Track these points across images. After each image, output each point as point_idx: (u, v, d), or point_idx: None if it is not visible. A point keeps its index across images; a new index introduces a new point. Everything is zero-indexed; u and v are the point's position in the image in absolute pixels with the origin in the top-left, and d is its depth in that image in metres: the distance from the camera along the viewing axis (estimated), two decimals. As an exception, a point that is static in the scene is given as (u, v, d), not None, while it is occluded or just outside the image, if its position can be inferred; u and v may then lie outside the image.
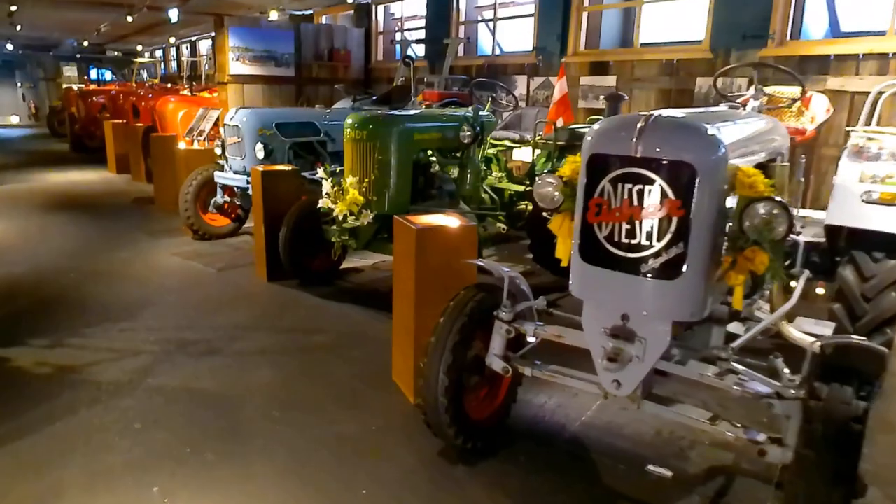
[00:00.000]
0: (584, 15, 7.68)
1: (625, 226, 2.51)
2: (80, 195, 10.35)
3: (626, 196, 2.49)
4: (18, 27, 17.27)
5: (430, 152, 5.49)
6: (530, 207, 6.47)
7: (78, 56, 27.00)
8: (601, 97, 3.48)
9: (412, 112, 5.70)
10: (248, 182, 6.60)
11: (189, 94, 13.20)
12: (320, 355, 4.40)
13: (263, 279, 5.93)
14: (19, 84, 27.87)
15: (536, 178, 3.01)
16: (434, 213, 4.14)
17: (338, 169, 5.25)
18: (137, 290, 5.65)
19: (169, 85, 17.41)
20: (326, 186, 5.11)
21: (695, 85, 6.47)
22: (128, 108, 13.06)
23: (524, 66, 8.41)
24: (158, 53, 26.33)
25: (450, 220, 3.69)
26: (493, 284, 3.28)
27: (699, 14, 6.80)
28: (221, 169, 7.18)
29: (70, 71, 27.05)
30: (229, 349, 4.44)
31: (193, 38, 21.15)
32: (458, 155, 5.70)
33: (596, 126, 2.70)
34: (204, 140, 9.15)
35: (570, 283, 2.79)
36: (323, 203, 5.19)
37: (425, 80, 8.43)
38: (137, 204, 9.70)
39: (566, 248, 2.96)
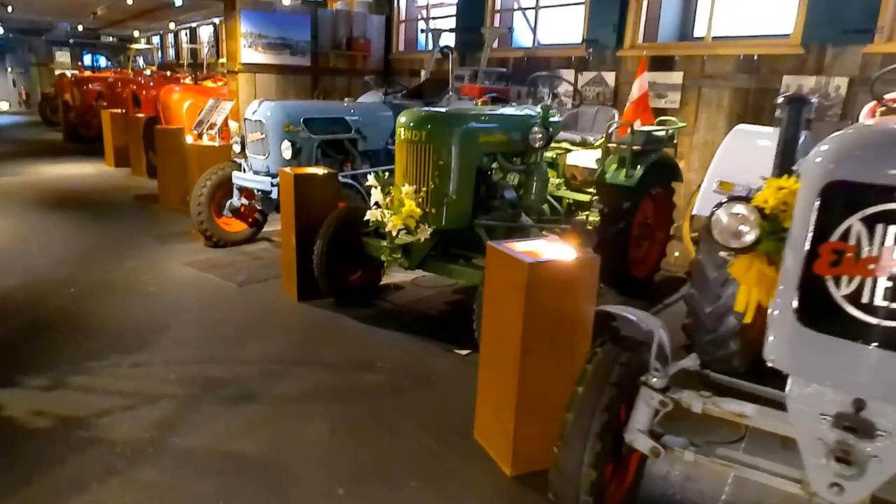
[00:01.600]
0: (644, 4, 6.94)
1: (884, 282, 1.78)
2: (77, 191, 9.50)
3: (890, 242, 1.76)
4: (10, 8, 16.30)
5: (494, 157, 4.72)
6: (592, 217, 5.74)
7: (71, 41, 25.94)
8: (778, 99, 2.74)
9: (474, 110, 4.92)
10: (272, 185, 5.82)
11: (192, 82, 12.36)
12: (379, 401, 3.63)
13: (293, 297, 5.16)
14: (9, 69, 26.73)
15: (724, 204, 2.26)
16: (532, 237, 3.39)
17: (383, 174, 4.48)
18: (149, 310, 4.87)
19: (168, 73, 16.52)
20: (378, 196, 4.34)
21: (780, 84, 5.74)
22: (127, 96, 12.18)
23: (571, 59, 7.66)
24: (156, 40, 25.30)
25: (563, 251, 2.94)
26: (630, 337, 2.55)
27: (784, 5, 6.08)
28: (239, 168, 6.39)
29: (63, 56, 25.98)
30: (267, 392, 3.67)
31: (194, 25, 20.19)
32: (523, 160, 4.94)
33: (830, 143, 1.94)
34: (215, 134, 8.34)
35: (770, 349, 2.04)
36: (372, 215, 4.42)
37: (454, 73, 7.64)
38: (140, 202, 8.88)
39: (754, 300, 2.23)
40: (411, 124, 4.35)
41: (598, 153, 5.93)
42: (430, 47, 9.73)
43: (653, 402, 2.36)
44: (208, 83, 12.62)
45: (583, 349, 2.93)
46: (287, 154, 5.76)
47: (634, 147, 5.17)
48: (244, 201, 6.47)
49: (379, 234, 4.79)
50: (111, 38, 26.67)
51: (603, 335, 2.58)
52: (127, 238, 6.92)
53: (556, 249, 2.96)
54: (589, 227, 5.84)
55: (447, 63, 8.98)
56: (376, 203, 4.40)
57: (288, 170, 5.10)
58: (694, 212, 3.75)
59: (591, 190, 6.08)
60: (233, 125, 9.35)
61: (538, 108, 4.94)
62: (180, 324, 4.62)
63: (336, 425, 3.36)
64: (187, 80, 13.00)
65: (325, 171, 5.09)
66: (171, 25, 19.87)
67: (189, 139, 9.15)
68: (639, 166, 5.20)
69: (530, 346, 2.81)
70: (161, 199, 8.65)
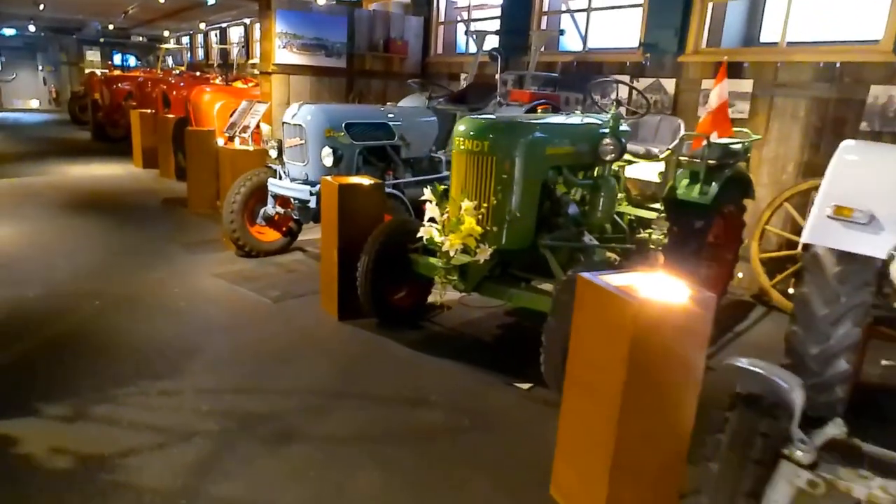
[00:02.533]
0: (710, 6, 6.46)
1: None
2: (104, 193, 9.22)
3: None
4: (42, 6, 16.19)
5: (559, 170, 4.28)
6: (655, 236, 5.28)
7: (102, 40, 25.97)
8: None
9: (540, 118, 4.48)
10: (311, 193, 5.44)
11: (223, 83, 12.09)
12: (437, 444, 3.21)
13: (333, 316, 4.76)
14: (40, 67, 26.88)
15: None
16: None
17: (440, 186, 4.06)
18: (178, 328, 4.50)
19: (198, 73, 16.32)
20: (433, 211, 3.93)
21: (866, 94, 5.23)
22: (157, 96, 11.92)
23: (626, 64, 7.19)
24: (185, 40, 25.24)
25: (670, 287, 2.49)
26: (757, 395, 2.10)
27: (872, 9, 5.57)
28: (275, 175, 6.02)
29: (93, 55, 26.02)
30: (312, 431, 3.26)
31: (224, 25, 20.01)
32: (588, 174, 4.49)
33: None
34: (248, 137, 8.00)
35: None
36: (426, 233, 4.00)
37: (497, 77, 7.23)
38: (168, 206, 8.57)
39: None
40: (472, 133, 3.93)
41: (660, 166, 5.47)
42: (472, 50, 9.33)
43: (798, 482, 1.91)
44: (239, 84, 12.36)
45: (689, 405, 2.48)
46: (328, 161, 5.37)
47: (710, 161, 4.70)
48: (279, 209, 6.10)
49: (428, 251, 4.39)
50: (141, 38, 26.67)
51: (734, 394, 2.13)
52: (155, 245, 6.58)
53: (661, 285, 2.51)
54: (652, 247, 5.39)
55: (493, 67, 8.58)
56: (431, 219, 3.98)
57: (330, 179, 4.71)
58: (805, 239, 3.27)
59: (655, 206, 5.62)
60: (264, 128, 9.03)
61: (604, 117, 4.50)
62: (212, 345, 4.24)
63: (390, 474, 2.94)
64: (217, 81, 12.75)
65: (372, 182, 4.69)
66: (202, 26, 19.68)
67: (220, 142, 8.85)
68: (713, 182, 4.73)
69: (633, 400, 2.36)
70: (190, 202, 8.33)
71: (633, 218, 5.34)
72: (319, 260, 6.24)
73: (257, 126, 8.24)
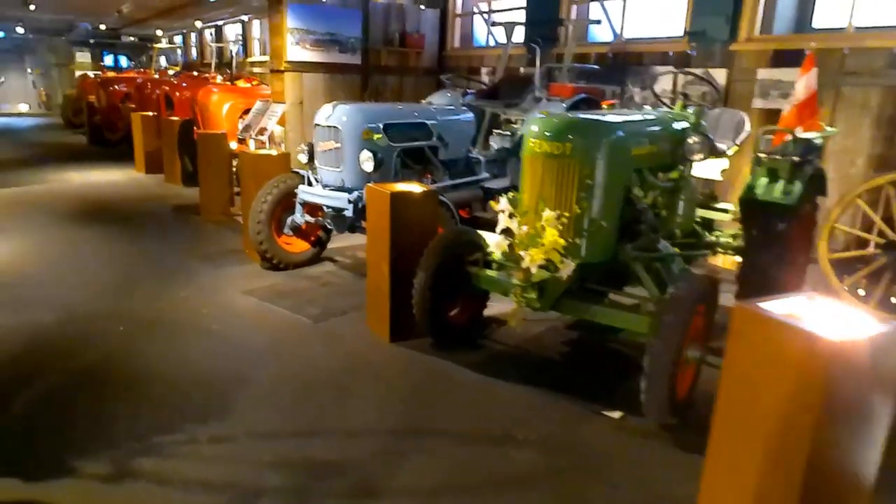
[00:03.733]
0: (765, -10, 6.05)
1: None
2: (109, 201, 8.72)
3: None
4: (32, 6, 15.60)
5: (640, 173, 3.85)
6: (724, 239, 4.89)
7: (92, 41, 25.33)
8: None
9: (620, 115, 4.04)
10: (349, 202, 4.99)
11: (229, 83, 11.59)
12: (541, 495, 2.77)
13: (384, 338, 4.32)
14: (29, 70, 26.22)
15: None
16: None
17: (515, 196, 3.63)
18: (216, 357, 4.04)
19: (196, 73, 15.75)
20: (510, 224, 3.49)
21: (949, 82, 4.85)
22: (158, 98, 11.40)
23: (668, 55, 6.76)
24: (178, 39, 24.61)
25: (856, 318, 2.06)
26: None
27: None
28: (304, 181, 5.56)
29: (83, 56, 25.32)
30: (395, 482, 2.82)
31: (220, 23, 19.44)
32: (670, 176, 4.07)
33: None
34: (265, 141, 7.54)
35: None
36: (499, 248, 3.57)
37: (536, 70, 6.80)
38: (179, 214, 8.09)
39: None
40: (550, 134, 3.49)
41: (722, 163, 5.07)
42: (497, 42, 8.90)
43: None
44: (241, 83, 11.85)
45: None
46: (368, 166, 4.92)
47: (794, 158, 4.29)
48: (308, 218, 5.65)
49: (488, 264, 3.97)
50: (132, 38, 26.05)
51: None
52: (172, 258, 6.11)
53: (842, 315, 2.08)
54: (721, 251, 4.99)
55: (516, 61, 8.17)
56: (505, 231, 3.54)
57: (377, 186, 4.26)
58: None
59: (721, 206, 5.22)
60: (276, 129, 8.56)
61: (675, 112, 4.08)
62: (256, 375, 3.79)
63: (497, 536, 2.51)
64: (218, 80, 12.24)
65: (424, 189, 4.24)
66: (198, 24, 19.10)
67: (233, 145, 8.38)
68: (797, 180, 4.32)
69: (821, 461, 1.94)
70: (203, 210, 7.86)
71: (698, 220, 4.94)
72: (353, 271, 5.83)
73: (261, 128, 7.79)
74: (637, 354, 3.68)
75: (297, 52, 8.76)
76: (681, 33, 6.69)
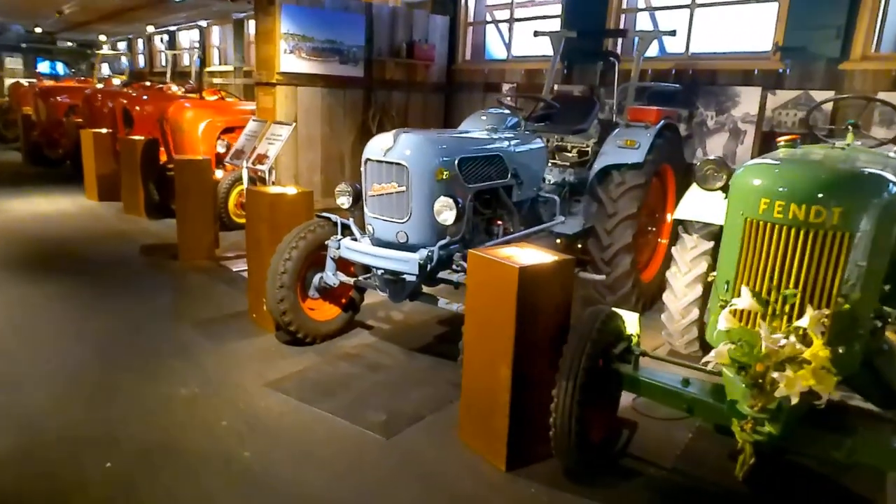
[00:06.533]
0: (882, 1, 5.10)
1: None
2: (64, 240, 7.10)
3: None
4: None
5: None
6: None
7: (24, 45, 23.04)
8: None
9: (847, 159, 2.90)
10: (419, 265, 3.69)
11: (194, 95, 10.06)
12: None
13: (498, 465, 3.05)
14: (-50, 77, 23.62)
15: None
16: None
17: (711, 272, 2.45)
18: (265, 515, 2.69)
19: (147, 83, 14.02)
20: (763, 329, 2.28)
21: None
22: (114, 112, 9.72)
23: (753, 73, 5.76)
24: (122, 45, 22.57)
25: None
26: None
27: None
28: (338, 229, 4.26)
29: (14, 63, 22.98)
30: None
31: (173, 28, 17.69)
32: None
33: None
34: (265, 171, 6.15)
35: None
36: (721, 358, 2.37)
37: (615, 89, 5.74)
38: (153, 258, 6.57)
39: None
40: (800, 190, 2.33)
41: None
42: (511, 54, 7.78)
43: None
44: (206, 96, 10.34)
45: None
46: (448, 217, 3.62)
47: None
48: (343, 278, 4.34)
49: (622, 356, 2.81)
50: (70, 43, 23.86)
51: None
52: (157, 328, 4.67)
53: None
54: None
55: (538, 77, 7.07)
56: (738, 343, 2.34)
57: (488, 253, 2.99)
58: None
59: None
60: (271, 154, 7.17)
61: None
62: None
63: None
64: (177, 91, 10.71)
65: (559, 258, 2.99)
66: (149, 29, 17.32)
67: (219, 173, 6.95)
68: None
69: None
70: (182, 253, 6.40)
71: None
72: (401, 344, 4.54)
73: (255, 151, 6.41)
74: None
75: (291, 61, 7.39)
76: (768, 48, 5.68)
